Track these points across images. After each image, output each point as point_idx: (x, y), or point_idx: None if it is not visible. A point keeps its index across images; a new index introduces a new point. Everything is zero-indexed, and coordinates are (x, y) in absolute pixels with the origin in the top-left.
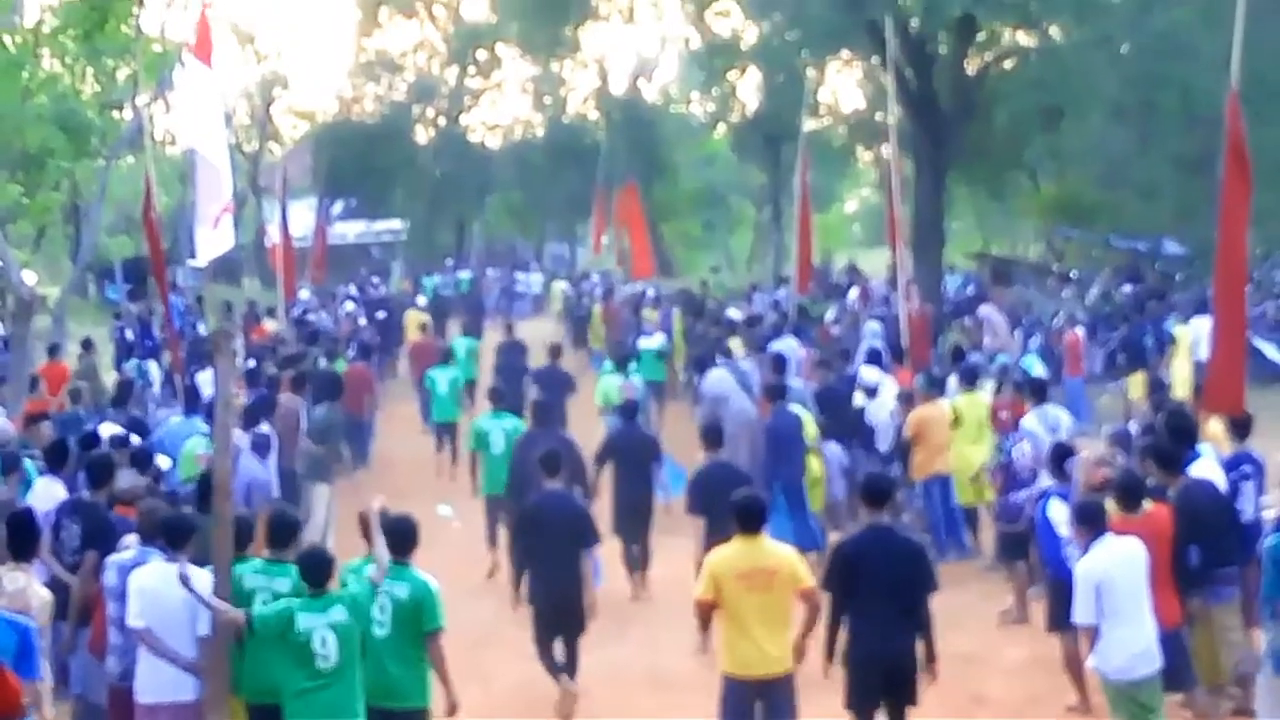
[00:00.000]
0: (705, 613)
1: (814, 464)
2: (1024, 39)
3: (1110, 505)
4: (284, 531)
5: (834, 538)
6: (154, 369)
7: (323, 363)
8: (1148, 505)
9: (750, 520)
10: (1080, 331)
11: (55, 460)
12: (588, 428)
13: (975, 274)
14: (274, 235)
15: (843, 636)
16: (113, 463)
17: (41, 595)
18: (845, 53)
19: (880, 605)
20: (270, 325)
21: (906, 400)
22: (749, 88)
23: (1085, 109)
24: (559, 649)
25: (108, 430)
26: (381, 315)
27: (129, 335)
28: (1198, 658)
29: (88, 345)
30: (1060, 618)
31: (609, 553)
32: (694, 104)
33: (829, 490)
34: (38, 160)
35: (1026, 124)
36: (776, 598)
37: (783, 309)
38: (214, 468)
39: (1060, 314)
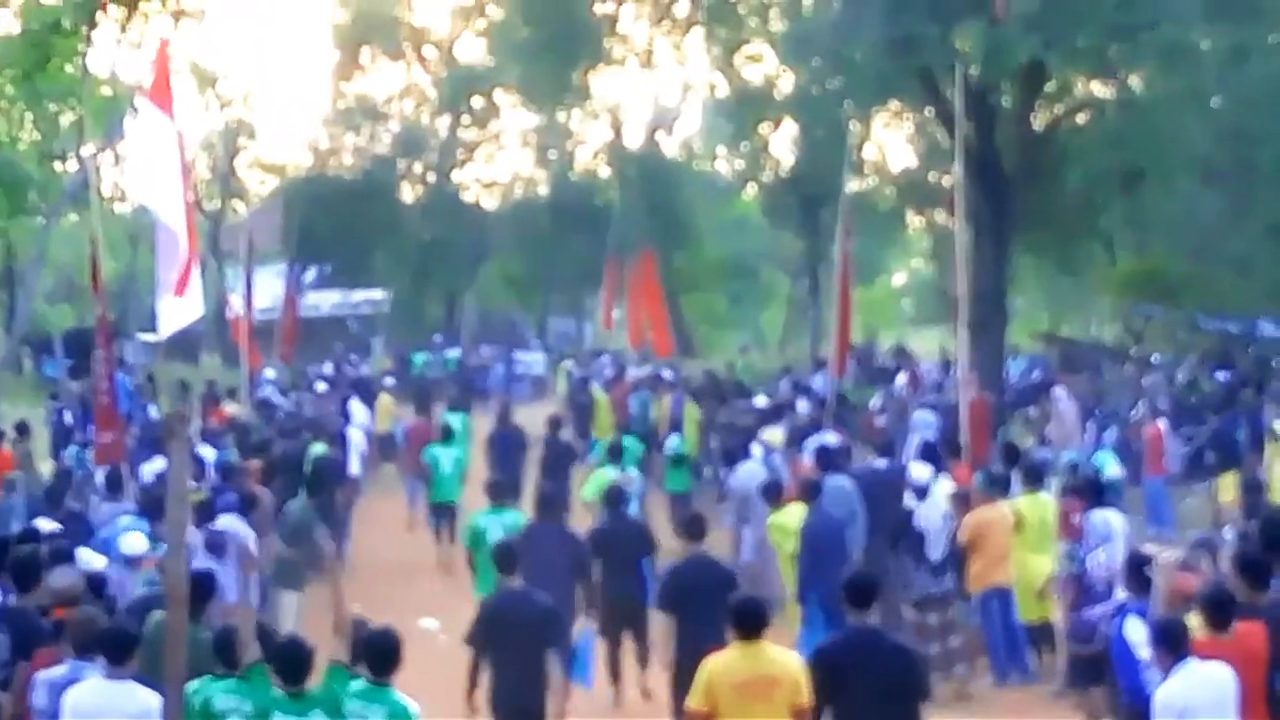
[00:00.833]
0: None
1: None
2: (1100, 90)
3: (1195, 623)
4: (262, 644)
5: None
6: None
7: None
8: (1237, 624)
9: (748, 624)
10: (1162, 424)
11: None
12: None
13: (1041, 357)
14: (237, 306)
15: None
16: (40, 562)
17: None
18: (894, 104)
19: (867, 715)
20: (231, 408)
21: (963, 501)
22: (783, 142)
23: (1170, 171)
24: None
25: (44, 527)
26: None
27: (68, 418)
28: None
29: (22, 429)
30: None
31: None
32: (720, 160)
33: None
34: None
35: (1102, 187)
36: (777, 709)
37: (818, 396)
38: (165, 571)
39: (1139, 404)
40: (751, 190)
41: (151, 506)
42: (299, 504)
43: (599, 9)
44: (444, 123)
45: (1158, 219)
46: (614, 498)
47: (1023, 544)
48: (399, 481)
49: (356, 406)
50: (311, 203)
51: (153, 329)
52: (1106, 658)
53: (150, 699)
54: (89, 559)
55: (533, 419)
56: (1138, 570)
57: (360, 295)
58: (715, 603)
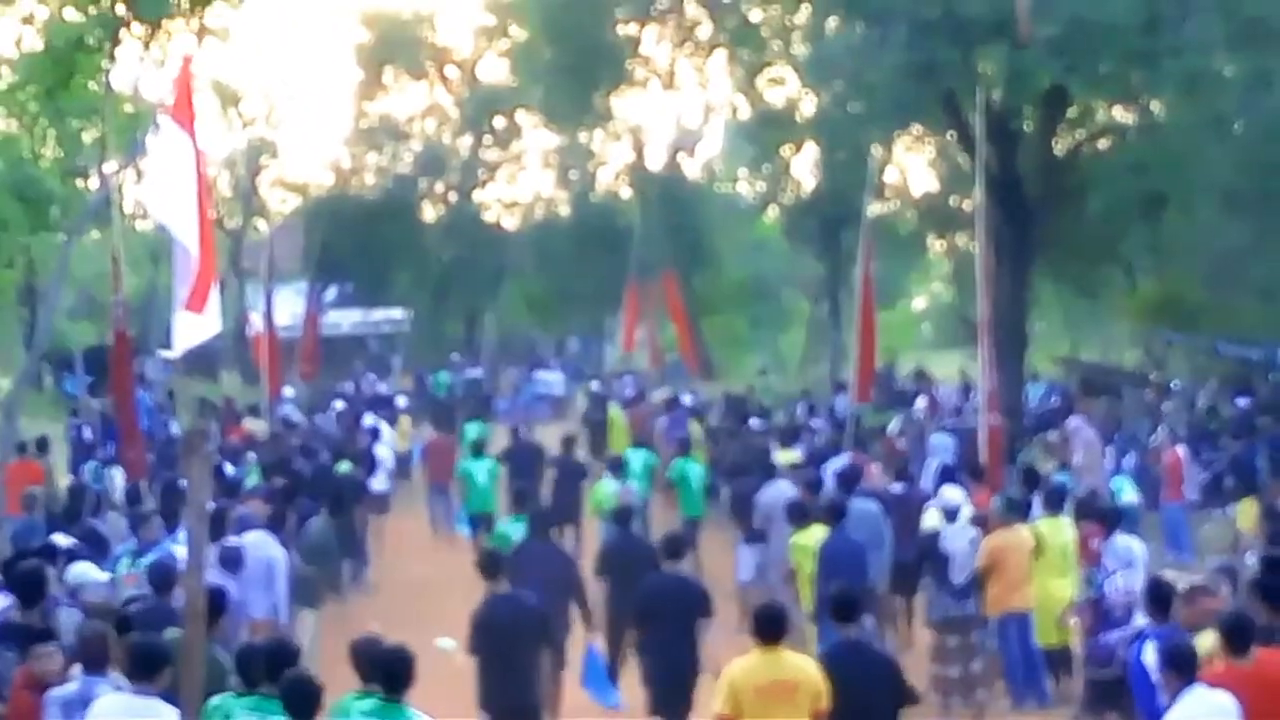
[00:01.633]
0: None
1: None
2: (1122, 116)
3: (1212, 649)
4: (278, 663)
5: None
6: (117, 475)
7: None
8: (1257, 650)
9: (769, 630)
10: (1182, 450)
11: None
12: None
13: (1061, 383)
14: (258, 324)
15: None
16: (43, 577)
17: None
18: (916, 127)
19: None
20: (251, 425)
21: (980, 524)
22: (805, 165)
23: (1191, 197)
24: None
25: (61, 543)
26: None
27: (87, 435)
28: None
29: (42, 445)
30: None
31: None
32: (741, 183)
33: None
34: None
35: (1123, 213)
36: (798, 712)
37: (837, 418)
38: (185, 586)
39: (1159, 430)
40: (772, 212)
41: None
42: (319, 523)
43: (622, 30)
44: (466, 142)
45: (1179, 244)
46: (622, 515)
47: (1043, 568)
48: (418, 500)
49: (384, 426)
50: (333, 221)
51: (171, 346)
52: (1124, 683)
53: (174, 716)
54: (84, 571)
55: (550, 438)
56: (1157, 596)
57: (380, 314)
58: (686, 619)
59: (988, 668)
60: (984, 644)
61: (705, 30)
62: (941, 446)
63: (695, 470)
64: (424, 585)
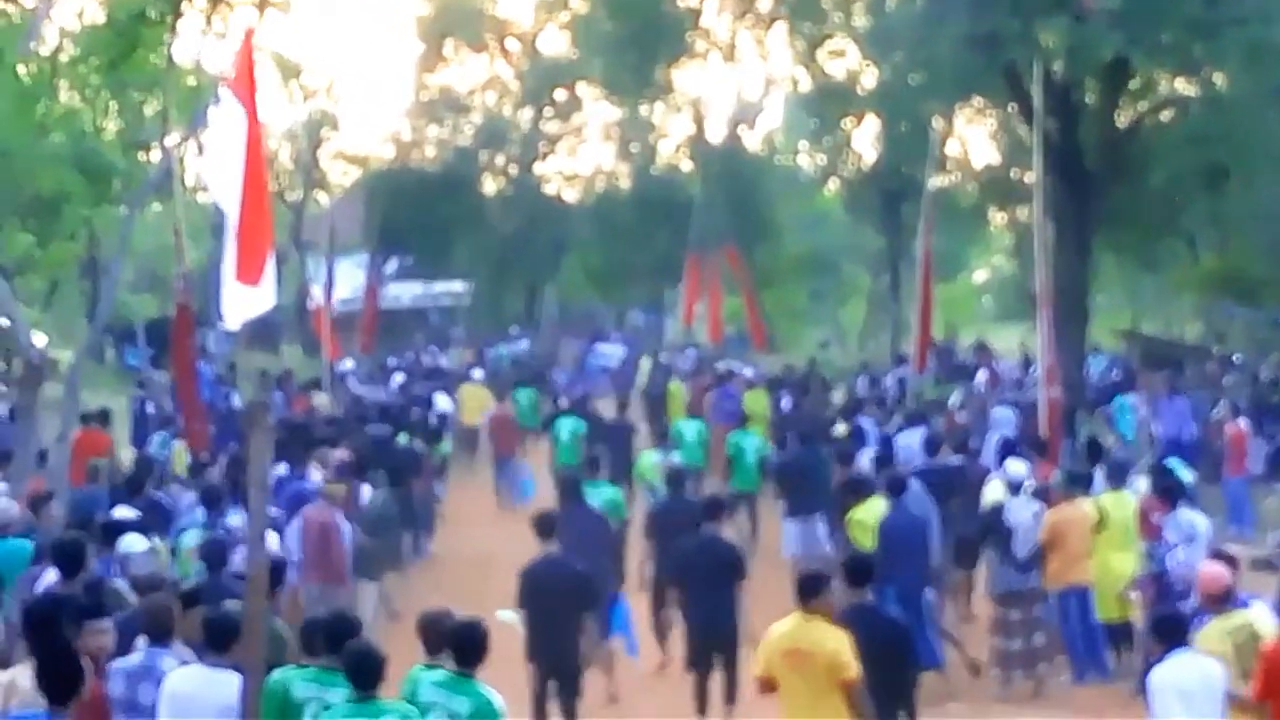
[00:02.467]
0: (766, 690)
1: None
2: (1184, 87)
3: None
4: (339, 635)
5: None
6: (180, 448)
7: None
8: None
9: (802, 595)
10: (1244, 424)
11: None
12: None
13: (1123, 356)
14: (318, 296)
15: None
16: (84, 549)
17: (23, 689)
18: (977, 100)
19: (867, 680)
20: (316, 398)
21: (1042, 497)
22: (866, 138)
23: (1254, 169)
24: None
25: (124, 515)
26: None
27: (150, 409)
28: None
29: (104, 418)
30: None
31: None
32: (802, 155)
33: None
34: (52, 206)
35: (1185, 185)
36: (817, 680)
37: (891, 394)
38: (248, 558)
39: (1221, 404)
40: (833, 185)
41: (211, 497)
42: (380, 495)
43: (682, 2)
44: (526, 115)
45: (1241, 217)
46: (674, 478)
47: (1105, 542)
48: (482, 474)
49: (441, 397)
50: (393, 194)
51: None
52: None
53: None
54: (131, 543)
55: (608, 409)
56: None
57: (441, 287)
58: (718, 577)
59: (1050, 641)
60: (1046, 618)
61: (766, 2)
62: (1003, 420)
63: (751, 444)
64: (487, 558)
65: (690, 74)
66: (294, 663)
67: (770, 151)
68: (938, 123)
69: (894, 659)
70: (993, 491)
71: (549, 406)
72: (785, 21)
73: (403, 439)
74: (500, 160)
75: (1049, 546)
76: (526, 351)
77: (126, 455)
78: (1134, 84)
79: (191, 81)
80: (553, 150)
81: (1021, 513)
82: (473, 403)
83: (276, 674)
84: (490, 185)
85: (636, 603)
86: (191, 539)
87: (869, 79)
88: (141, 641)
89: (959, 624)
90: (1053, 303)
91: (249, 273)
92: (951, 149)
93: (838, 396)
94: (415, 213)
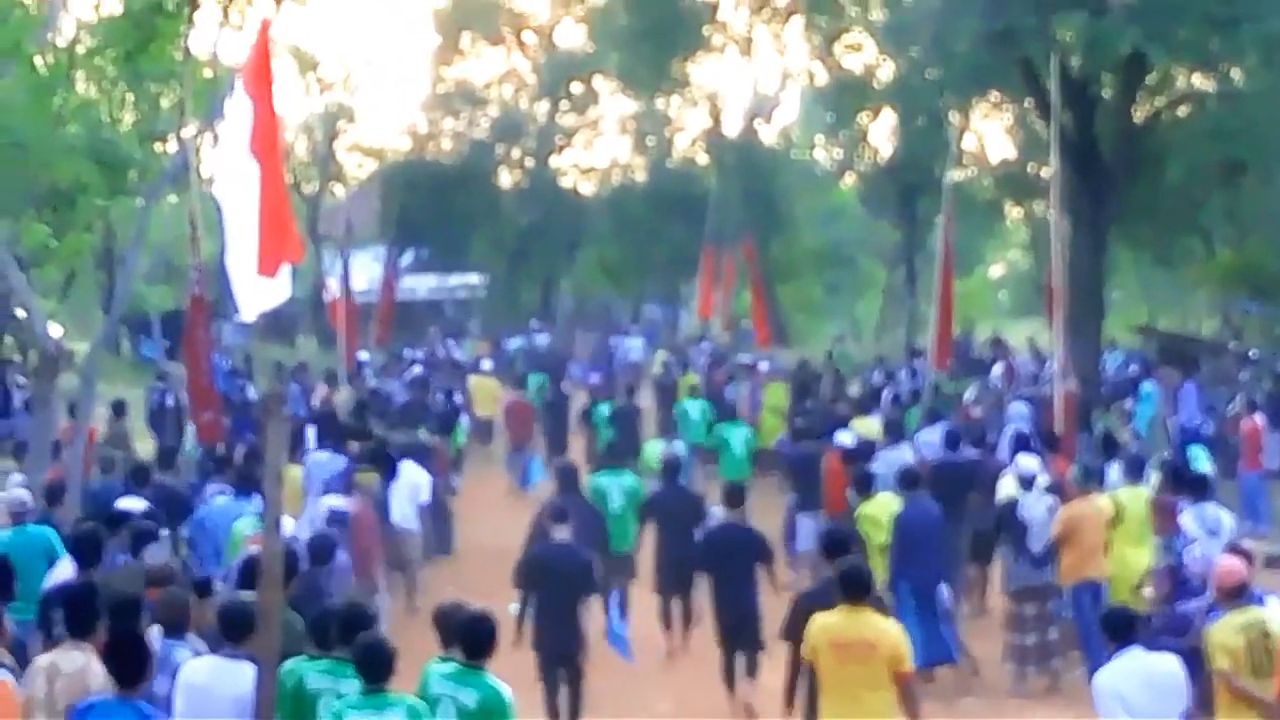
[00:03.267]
0: (799, 669)
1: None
2: (1201, 82)
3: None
4: (353, 627)
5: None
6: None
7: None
8: None
9: (853, 588)
10: (1260, 419)
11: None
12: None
13: (1139, 351)
14: (334, 289)
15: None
16: (100, 540)
17: (100, 675)
18: (994, 95)
19: None
20: (339, 394)
21: (1056, 492)
22: (882, 132)
23: (1271, 164)
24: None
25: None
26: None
27: (170, 401)
28: None
29: (119, 409)
30: None
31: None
32: (818, 149)
33: None
34: (68, 198)
35: (1202, 180)
36: (874, 672)
37: (905, 389)
38: (263, 549)
39: (1237, 399)
40: (849, 179)
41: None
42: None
43: None
44: (543, 108)
45: (1258, 213)
46: (669, 467)
47: (1121, 537)
48: (497, 465)
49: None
50: (410, 187)
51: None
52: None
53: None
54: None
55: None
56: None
57: (457, 279)
58: (745, 562)
59: (1064, 636)
60: (1061, 612)
61: None
62: (1019, 415)
63: (737, 435)
64: (505, 550)
65: (707, 68)
66: (307, 654)
67: (786, 145)
68: (954, 117)
69: None
70: (1007, 487)
71: (554, 394)
72: (802, 15)
73: (420, 432)
74: (516, 153)
75: (1063, 541)
76: (546, 345)
77: (144, 446)
78: (1151, 79)
79: (208, 74)
80: (569, 143)
81: (1035, 507)
82: (483, 394)
83: (290, 665)
84: (506, 178)
85: (642, 595)
86: (246, 526)
87: (885, 73)
88: (156, 632)
89: (971, 619)
90: (1068, 298)
91: (267, 264)
92: (968, 143)
93: (853, 389)
94: (431, 205)
